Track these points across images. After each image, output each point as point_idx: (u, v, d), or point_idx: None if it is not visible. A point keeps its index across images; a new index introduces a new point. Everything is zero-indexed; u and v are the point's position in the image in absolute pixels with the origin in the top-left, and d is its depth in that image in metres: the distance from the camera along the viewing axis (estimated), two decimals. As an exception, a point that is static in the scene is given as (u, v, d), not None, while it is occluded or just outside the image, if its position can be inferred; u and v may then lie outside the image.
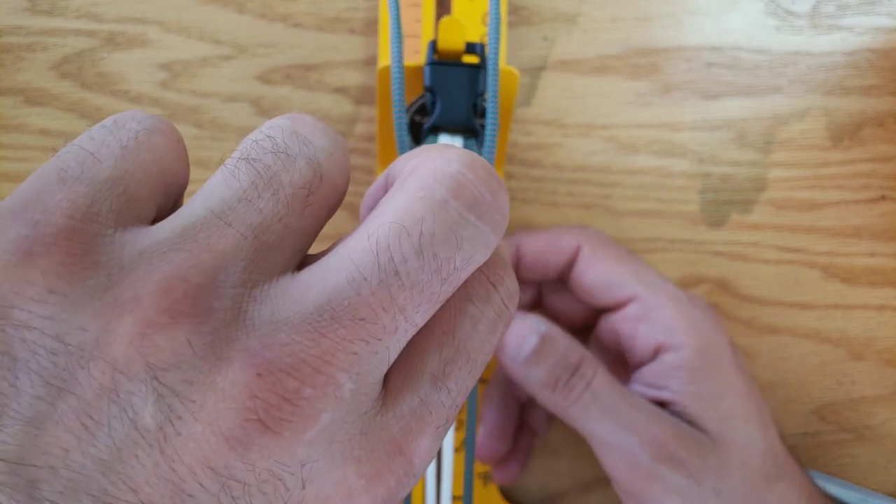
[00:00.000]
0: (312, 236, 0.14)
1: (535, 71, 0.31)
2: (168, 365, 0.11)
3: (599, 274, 0.26)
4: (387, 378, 0.13)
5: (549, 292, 0.29)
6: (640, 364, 0.26)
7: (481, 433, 0.28)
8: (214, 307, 0.12)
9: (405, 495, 0.14)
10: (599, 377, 0.24)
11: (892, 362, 0.33)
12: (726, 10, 0.32)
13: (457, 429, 0.29)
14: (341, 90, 0.30)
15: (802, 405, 0.33)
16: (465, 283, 0.14)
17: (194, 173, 0.30)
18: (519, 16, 0.31)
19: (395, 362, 0.13)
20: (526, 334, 0.24)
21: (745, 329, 0.32)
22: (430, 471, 0.26)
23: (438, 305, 0.13)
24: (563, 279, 0.27)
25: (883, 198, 0.32)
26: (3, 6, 0.29)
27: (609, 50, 0.31)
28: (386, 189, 0.15)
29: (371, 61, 0.30)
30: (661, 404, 0.25)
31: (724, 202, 0.32)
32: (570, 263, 0.26)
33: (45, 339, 0.11)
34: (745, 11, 0.32)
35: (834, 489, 0.32)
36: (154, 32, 0.30)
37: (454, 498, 0.27)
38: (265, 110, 0.30)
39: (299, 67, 0.30)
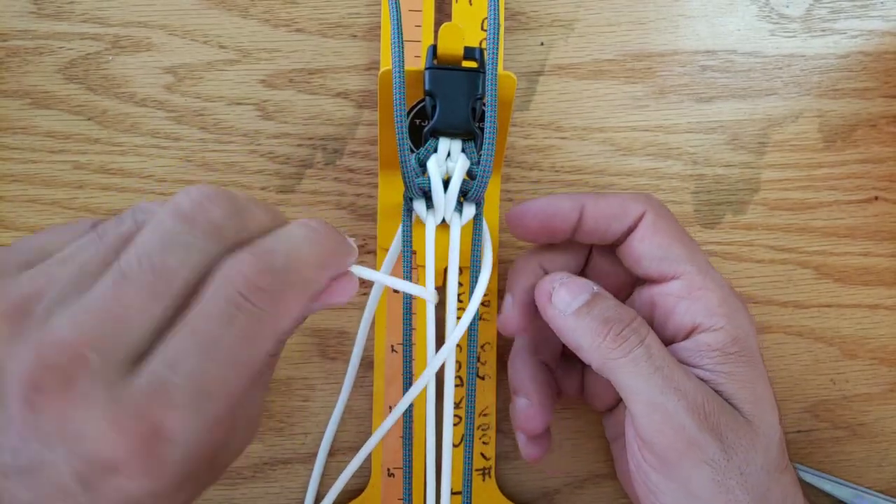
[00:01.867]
0: None
1: (533, 75, 0.31)
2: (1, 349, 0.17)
3: (655, 245, 0.26)
4: (138, 360, 0.17)
5: (594, 255, 0.28)
6: (672, 341, 0.26)
7: (526, 406, 0.27)
8: (34, 311, 0.17)
9: (179, 461, 0.17)
10: (652, 336, 0.24)
11: (885, 361, 0.33)
12: (721, 14, 0.32)
13: (455, 424, 0.29)
14: (343, 94, 0.31)
15: (796, 403, 0.33)
16: (208, 282, 0.18)
17: (200, 176, 0.31)
18: (517, 21, 0.31)
19: (148, 350, 0.18)
20: (578, 291, 0.25)
21: (740, 328, 0.33)
22: (430, 466, 0.26)
23: (167, 297, 0.17)
24: (615, 244, 0.27)
25: (876, 198, 0.33)
26: (8, 10, 0.30)
27: (605, 54, 0.32)
28: None
29: (372, 66, 0.31)
30: None
31: (718, 203, 0.32)
32: (631, 230, 0.26)
33: None
34: (739, 15, 0.32)
35: (828, 486, 0.32)
36: (159, 36, 0.30)
37: (453, 493, 0.28)
38: (269, 114, 0.30)
39: (302, 72, 0.31)
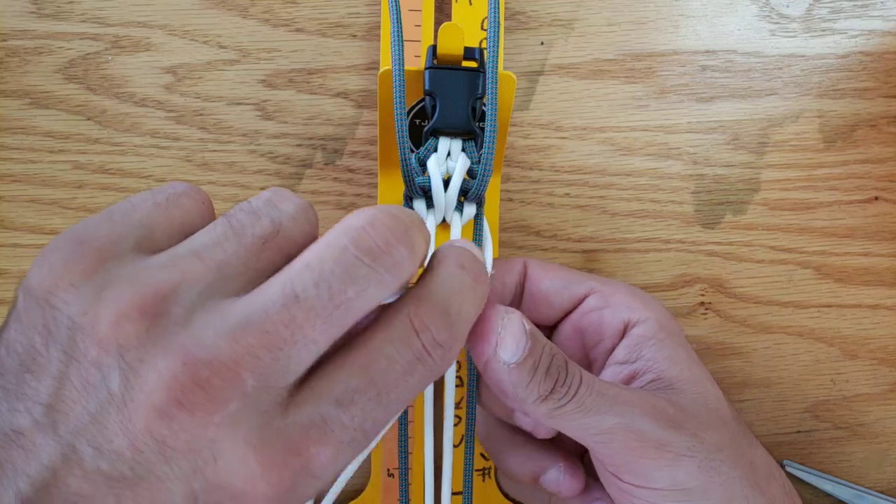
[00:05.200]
0: (266, 273, 0.17)
1: (533, 75, 0.31)
2: (130, 347, 0.15)
3: (553, 279, 0.27)
4: (296, 391, 0.17)
5: None
6: (612, 348, 0.26)
7: (559, 473, 0.26)
8: (171, 311, 0.16)
9: (310, 495, 0.17)
10: (584, 371, 0.23)
11: (885, 361, 0.33)
12: (721, 13, 0.32)
13: (455, 425, 0.29)
14: (343, 94, 0.31)
15: (796, 403, 0.33)
16: (390, 326, 0.18)
17: (200, 175, 0.31)
18: (517, 21, 0.31)
19: (307, 381, 0.17)
20: (519, 336, 0.22)
21: (740, 328, 0.33)
22: (430, 466, 0.26)
23: (338, 328, 0.16)
24: (515, 303, 0.27)
25: (876, 198, 0.33)
26: (8, 10, 0.30)
27: (605, 54, 0.32)
28: None
29: (372, 66, 0.31)
30: (636, 376, 0.25)
31: (718, 203, 0.32)
32: (522, 280, 0.27)
33: (64, 318, 0.16)
34: (739, 15, 0.32)
35: (828, 486, 0.32)
36: (158, 36, 0.30)
37: (454, 494, 0.28)
38: (269, 114, 0.30)
39: (302, 72, 0.31)
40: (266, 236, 0.17)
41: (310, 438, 0.16)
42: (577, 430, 0.23)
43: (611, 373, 0.26)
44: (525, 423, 0.26)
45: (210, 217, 0.19)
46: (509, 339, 0.22)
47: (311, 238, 0.18)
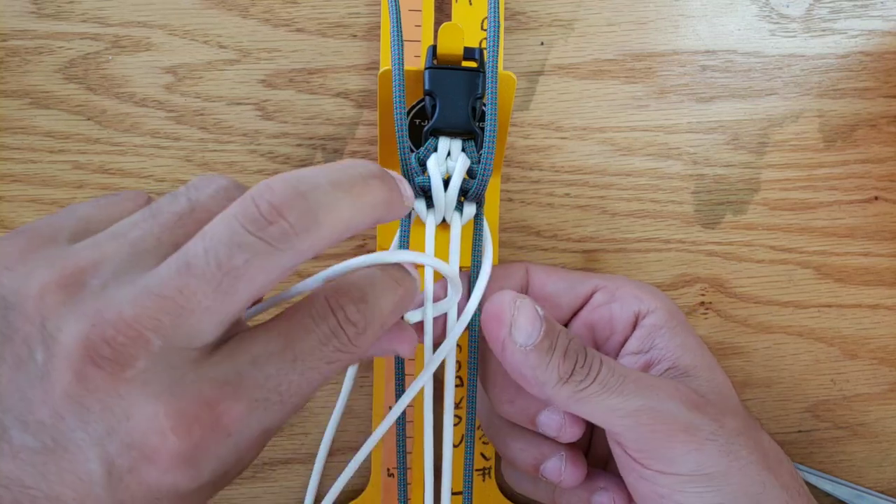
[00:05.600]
0: (179, 247, 0.18)
1: (533, 75, 0.31)
2: (51, 316, 0.16)
3: (556, 280, 0.27)
4: (214, 352, 0.18)
5: None
6: (624, 341, 0.26)
7: (560, 460, 0.26)
8: (89, 283, 0.17)
9: (224, 456, 0.17)
10: (604, 356, 0.23)
11: (885, 361, 0.33)
12: (721, 13, 0.32)
13: (455, 425, 0.29)
14: (343, 94, 0.31)
15: (797, 403, 0.33)
16: (309, 304, 0.19)
17: (201, 174, 0.30)
18: (517, 21, 0.31)
19: (226, 343, 0.18)
20: (533, 319, 0.23)
21: (740, 328, 0.33)
22: (429, 466, 0.26)
23: (231, 296, 0.17)
24: None
25: (876, 198, 0.33)
26: (8, 10, 0.30)
27: (605, 54, 0.32)
28: None
29: (372, 66, 0.31)
30: (651, 365, 0.25)
31: (718, 203, 0.32)
32: (525, 285, 0.27)
33: (0, 299, 0.17)
34: (739, 15, 0.32)
35: (828, 486, 0.32)
36: (159, 36, 0.30)
37: (454, 493, 0.28)
38: (269, 114, 0.30)
39: (302, 72, 0.31)
40: (181, 213, 0.18)
41: (223, 392, 0.17)
42: (602, 412, 0.23)
43: (625, 364, 0.26)
44: (549, 427, 0.25)
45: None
46: (522, 320, 0.23)
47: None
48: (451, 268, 0.25)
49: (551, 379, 0.22)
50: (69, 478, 0.16)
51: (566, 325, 0.28)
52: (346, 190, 0.18)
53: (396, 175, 0.21)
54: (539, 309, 0.23)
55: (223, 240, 0.17)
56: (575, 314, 0.28)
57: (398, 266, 0.21)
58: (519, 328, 0.23)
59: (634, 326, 0.26)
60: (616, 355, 0.27)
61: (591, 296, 0.27)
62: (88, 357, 0.16)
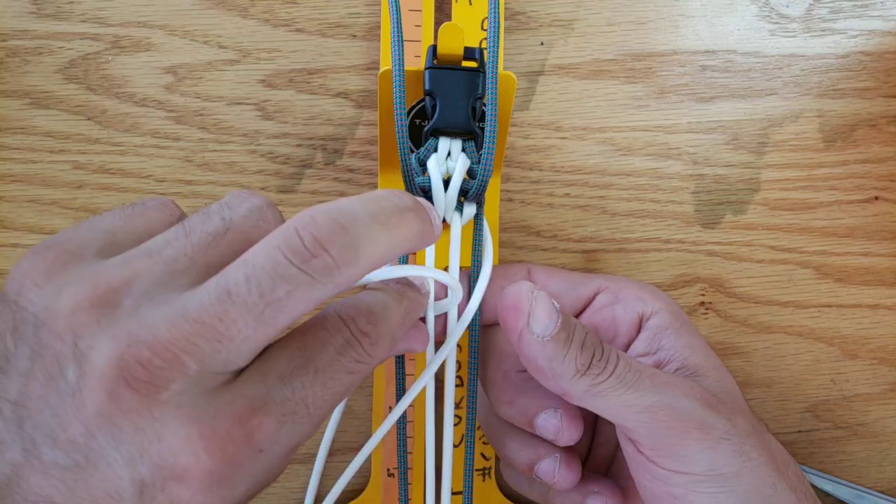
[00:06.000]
0: (215, 268, 0.18)
1: (533, 75, 0.31)
2: (83, 335, 0.16)
3: (558, 282, 0.27)
4: (245, 372, 0.18)
5: None
6: (629, 343, 0.26)
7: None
8: (122, 303, 0.17)
9: (256, 472, 0.18)
10: (619, 351, 0.23)
11: (885, 361, 0.33)
12: (720, 13, 0.32)
13: (455, 425, 0.29)
14: (343, 94, 0.31)
15: (797, 403, 0.33)
16: (323, 318, 0.19)
17: (200, 175, 0.31)
18: (517, 21, 0.31)
19: (254, 361, 0.18)
20: (550, 310, 0.23)
21: (740, 328, 0.33)
22: (430, 466, 0.26)
23: (271, 324, 0.17)
24: None
25: (876, 198, 0.33)
26: (8, 10, 0.30)
27: (605, 54, 0.32)
28: None
29: (372, 66, 0.31)
30: (660, 366, 0.25)
31: (718, 203, 0.32)
32: None
33: (30, 317, 0.17)
34: (739, 15, 0.32)
35: (828, 486, 0.32)
36: (159, 36, 0.30)
37: (454, 493, 0.28)
38: (269, 114, 0.30)
39: (302, 72, 0.31)
40: (214, 233, 0.18)
41: (253, 409, 0.17)
42: (617, 407, 0.23)
43: None
44: (547, 429, 0.25)
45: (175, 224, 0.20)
46: (540, 311, 0.23)
47: (266, 234, 0.19)
48: (451, 275, 0.25)
49: (568, 371, 0.22)
50: (99, 496, 0.16)
51: None
52: (383, 223, 0.18)
53: (427, 204, 0.21)
54: (555, 302, 0.23)
55: (266, 270, 0.17)
56: (577, 316, 0.28)
57: (401, 279, 0.22)
58: (537, 318, 0.22)
59: (639, 328, 0.26)
60: None
61: (593, 297, 0.27)
62: (122, 378, 0.16)
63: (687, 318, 0.27)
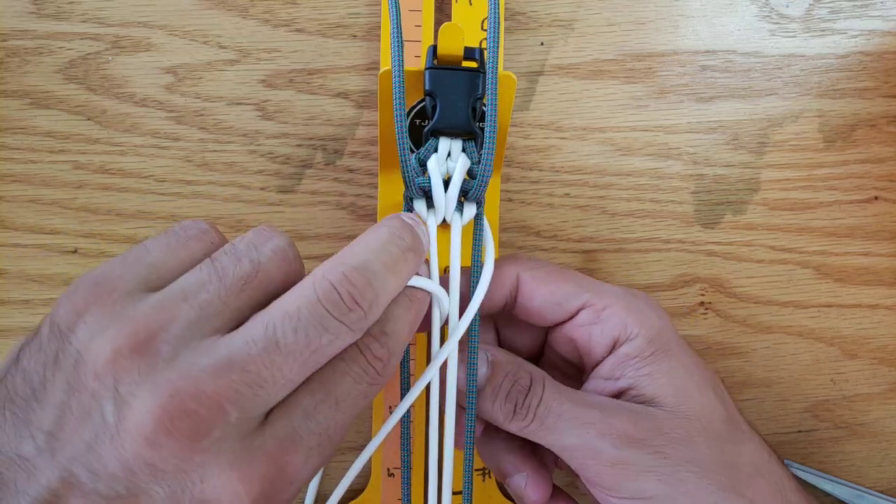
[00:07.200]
0: (246, 310, 0.19)
1: (533, 75, 0.31)
2: (123, 381, 0.17)
3: (546, 295, 0.27)
4: (272, 411, 0.19)
5: (501, 325, 0.30)
6: (599, 363, 0.27)
7: (523, 480, 0.28)
8: (160, 349, 0.18)
9: (288, 499, 0.19)
10: (548, 390, 0.25)
11: (885, 360, 0.33)
12: (721, 13, 0.32)
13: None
14: (343, 94, 0.31)
15: (797, 403, 0.33)
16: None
17: (200, 175, 0.31)
18: (517, 21, 0.31)
19: (281, 401, 0.19)
20: (477, 366, 0.26)
21: (740, 328, 0.33)
22: (432, 467, 0.26)
23: (311, 368, 0.19)
24: (507, 309, 0.28)
25: (876, 198, 0.33)
26: (8, 10, 0.30)
27: (605, 54, 0.32)
28: None
29: (372, 66, 0.31)
30: (620, 394, 0.26)
31: (717, 203, 0.32)
32: (514, 294, 0.27)
33: (73, 351, 0.18)
34: (739, 15, 0.32)
35: (828, 486, 0.32)
36: (159, 36, 0.30)
37: (454, 493, 0.28)
38: (269, 114, 0.30)
39: (302, 72, 0.31)
40: (246, 277, 0.20)
41: (284, 448, 0.19)
42: (545, 445, 0.25)
43: (594, 385, 0.27)
44: (528, 500, 0.28)
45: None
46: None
47: (289, 275, 0.21)
48: (452, 280, 0.26)
49: (499, 416, 0.25)
50: None
51: (552, 332, 0.28)
52: (394, 272, 0.21)
53: (419, 226, 0.23)
54: (489, 354, 0.26)
55: (312, 322, 0.19)
56: (559, 325, 0.28)
57: (409, 287, 0.23)
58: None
59: (610, 352, 0.27)
60: (588, 375, 0.27)
61: (578, 312, 0.27)
62: (163, 427, 0.17)
63: (669, 341, 0.26)
